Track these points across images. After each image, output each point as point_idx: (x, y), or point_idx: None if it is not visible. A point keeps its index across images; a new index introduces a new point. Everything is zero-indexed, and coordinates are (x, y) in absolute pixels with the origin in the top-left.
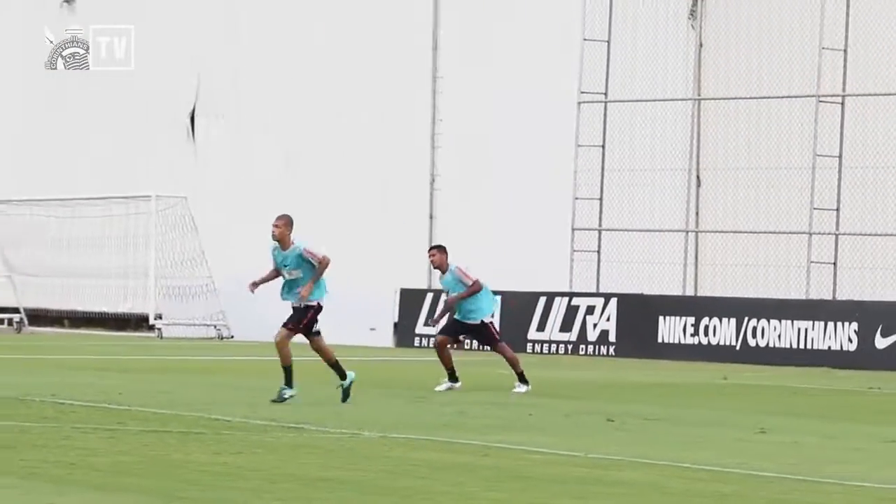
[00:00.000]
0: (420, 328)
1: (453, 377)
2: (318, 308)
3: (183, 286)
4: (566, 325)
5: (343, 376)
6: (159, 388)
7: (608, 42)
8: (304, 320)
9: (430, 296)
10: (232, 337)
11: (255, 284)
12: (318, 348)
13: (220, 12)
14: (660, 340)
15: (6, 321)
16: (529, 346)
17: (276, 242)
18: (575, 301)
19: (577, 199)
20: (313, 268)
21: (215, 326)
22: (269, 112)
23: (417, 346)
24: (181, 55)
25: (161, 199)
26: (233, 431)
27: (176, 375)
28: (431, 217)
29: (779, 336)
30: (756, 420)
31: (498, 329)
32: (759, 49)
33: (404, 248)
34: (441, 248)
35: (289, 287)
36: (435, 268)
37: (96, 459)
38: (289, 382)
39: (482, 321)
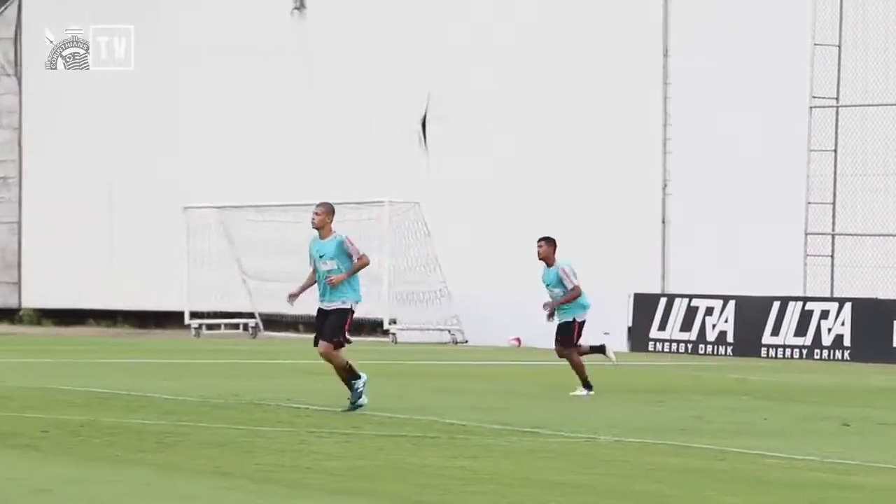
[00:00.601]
0: (654, 333)
1: (587, 384)
2: (352, 312)
3: (416, 291)
4: (800, 330)
5: (357, 375)
6: (393, 393)
7: (839, 46)
8: (345, 327)
9: (663, 300)
10: (466, 342)
11: (293, 296)
12: (330, 356)
13: (452, 19)
14: (895, 345)
15: (242, 326)
16: (763, 350)
17: (316, 231)
18: (809, 305)
19: (809, 203)
20: (350, 262)
21: (449, 331)
22: (500, 117)
23: (651, 351)
24: (413, 62)
25: (394, 204)
26: (467, 435)
27: (410, 380)
28: (664, 222)
29: None
30: None
31: (581, 334)
32: None
33: (637, 252)
34: (550, 241)
35: (324, 287)
36: (540, 259)
37: (331, 464)
38: (355, 375)
39: (573, 319)
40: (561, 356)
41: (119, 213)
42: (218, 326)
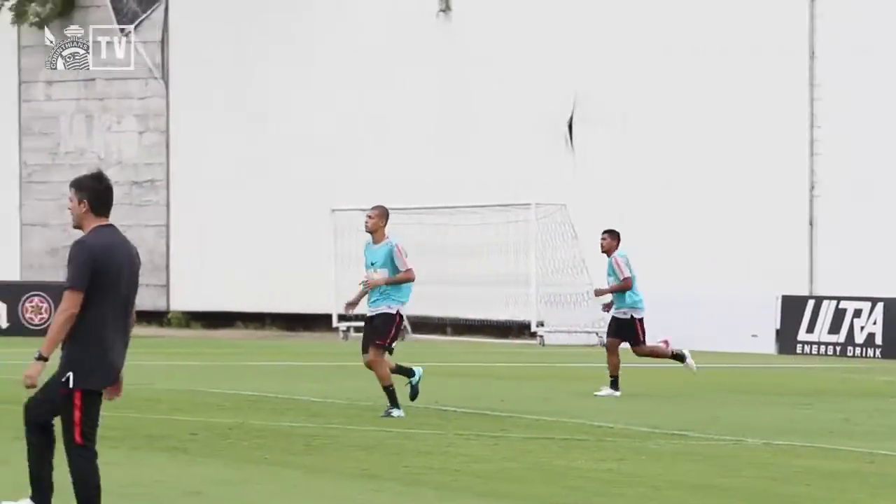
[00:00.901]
0: (802, 335)
1: (615, 385)
2: (399, 317)
3: (563, 293)
4: None
5: (396, 404)
6: (541, 395)
7: None
8: (391, 331)
9: (811, 303)
10: None
11: (351, 304)
12: (374, 366)
13: (598, 19)
14: None
15: None
16: None
17: (370, 236)
18: None
19: None
20: (397, 272)
21: (597, 333)
22: (646, 118)
23: (799, 353)
24: (560, 63)
25: (540, 206)
26: (615, 438)
27: (558, 382)
28: (811, 224)
29: None
30: None
31: (644, 330)
32: None
33: (785, 254)
34: (613, 233)
35: (371, 294)
36: (603, 251)
37: (479, 466)
38: (394, 402)
39: (631, 316)
40: (641, 354)
41: (267, 215)
42: None
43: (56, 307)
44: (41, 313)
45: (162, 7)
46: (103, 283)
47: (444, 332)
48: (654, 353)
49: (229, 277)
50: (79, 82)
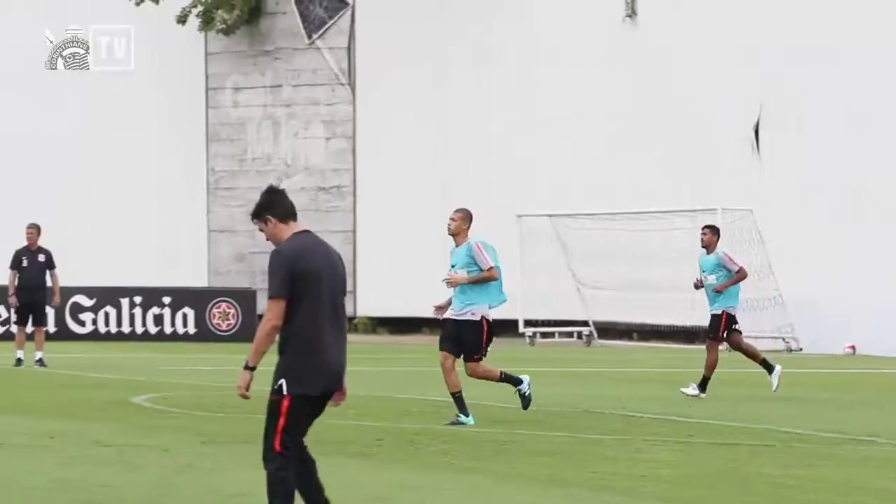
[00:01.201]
0: None
1: (704, 385)
2: (486, 323)
3: (751, 299)
4: None
5: (465, 411)
6: (728, 401)
7: None
8: (481, 343)
9: None
10: (801, 350)
11: (440, 308)
12: (477, 374)
13: (784, 23)
14: None
15: (576, 334)
16: None
17: (452, 238)
18: None
19: None
20: (479, 270)
21: (784, 339)
22: (833, 124)
23: None
24: (745, 67)
25: (727, 212)
26: (802, 444)
27: (744, 388)
28: None
29: None
30: None
31: (727, 325)
32: None
33: None
34: (714, 229)
35: (455, 297)
36: (703, 246)
37: (665, 472)
38: (463, 409)
39: (722, 311)
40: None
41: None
42: (552, 335)
43: (242, 313)
44: (228, 319)
45: (348, 13)
46: (306, 287)
47: (630, 338)
48: (710, 361)
49: (415, 283)
50: (266, 89)
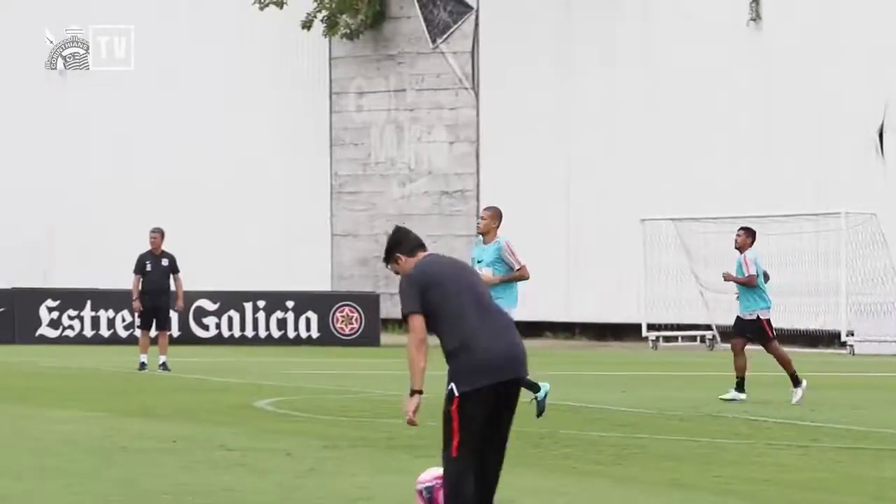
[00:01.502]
0: None
1: (741, 387)
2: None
3: (874, 303)
4: None
5: (536, 389)
6: (852, 405)
7: None
8: None
9: None
10: None
11: None
12: None
13: None
14: None
15: (699, 338)
16: None
17: (481, 237)
18: None
19: None
20: (506, 271)
21: None
22: None
23: None
24: (871, 69)
25: (850, 215)
26: None
27: (869, 392)
28: None
29: None
30: None
31: (772, 328)
32: None
33: None
34: (749, 231)
35: None
36: (737, 248)
37: (789, 476)
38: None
39: (757, 316)
40: (771, 353)
41: (577, 225)
42: (675, 338)
43: (366, 317)
44: (351, 323)
45: (472, 17)
46: (440, 294)
47: (752, 342)
48: (781, 359)
49: (538, 287)
50: (389, 93)
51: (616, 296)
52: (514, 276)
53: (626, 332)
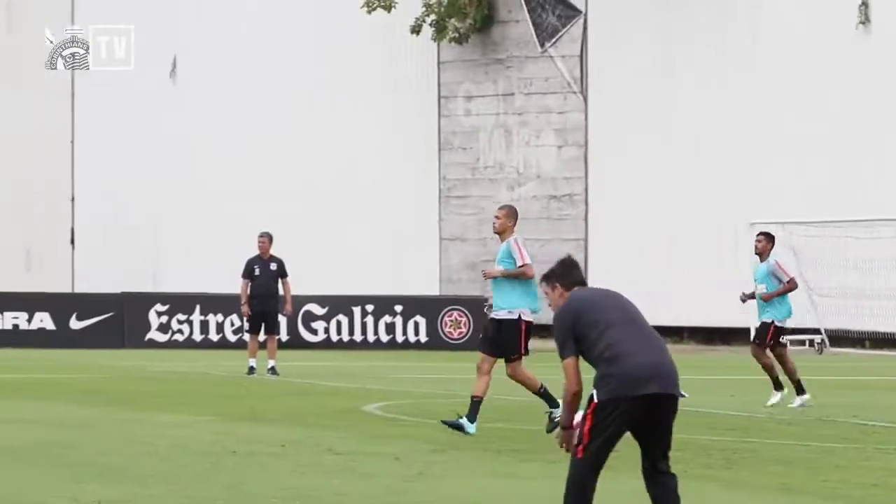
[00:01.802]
0: None
1: (778, 385)
2: (524, 323)
3: None
4: None
5: (556, 403)
6: None
7: None
8: (520, 342)
9: None
10: None
11: (490, 306)
12: (518, 377)
13: None
14: None
15: (807, 342)
16: None
17: (498, 236)
18: None
19: None
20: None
21: None
22: None
23: None
24: None
25: None
26: None
27: None
28: None
29: None
30: None
31: (774, 335)
32: None
33: None
34: (769, 236)
35: (494, 295)
36: (757, 253)
37: None
38: (552, 402)
39: (772, 320)
40: (756, 356)
41: (680, 228)
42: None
43: (474, 321)
44: (460, 327)
45: (580, 22)
46: (589, 322)
47: (862, 346)
48: (765, 366)
49: (648, 291)
50: (498, 97)
51: (723, 300)
52: (515, 271)
53: (734, 335)
